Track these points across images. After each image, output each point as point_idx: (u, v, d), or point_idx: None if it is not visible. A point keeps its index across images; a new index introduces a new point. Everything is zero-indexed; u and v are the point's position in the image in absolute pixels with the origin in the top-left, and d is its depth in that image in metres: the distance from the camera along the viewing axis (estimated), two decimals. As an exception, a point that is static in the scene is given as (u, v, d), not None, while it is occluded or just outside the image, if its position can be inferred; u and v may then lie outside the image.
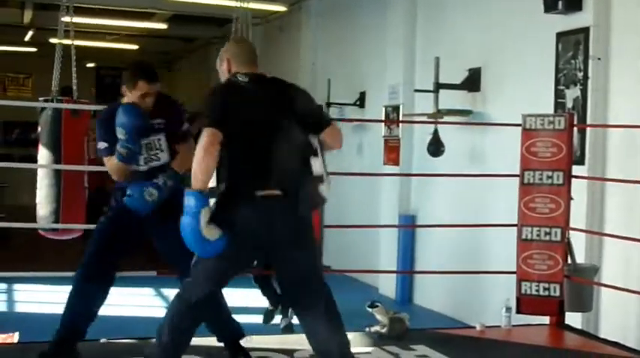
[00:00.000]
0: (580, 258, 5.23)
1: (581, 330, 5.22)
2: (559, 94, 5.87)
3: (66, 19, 7.10)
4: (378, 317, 4.72)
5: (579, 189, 5.28)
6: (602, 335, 5.20)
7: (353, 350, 3.59)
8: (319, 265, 3.69)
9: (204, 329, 3.88)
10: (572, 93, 5.74)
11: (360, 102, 9.36)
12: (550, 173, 5.03)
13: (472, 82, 7.05)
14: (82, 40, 9.67)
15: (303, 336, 3.57)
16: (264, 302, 6.41)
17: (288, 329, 6.02)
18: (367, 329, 4.73)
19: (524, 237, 5.09)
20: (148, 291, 8.17)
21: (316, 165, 3.50)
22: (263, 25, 11.98)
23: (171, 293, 3.64)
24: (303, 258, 3.47)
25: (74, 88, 6.81)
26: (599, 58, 5.56)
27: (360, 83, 9.43)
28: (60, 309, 3.99)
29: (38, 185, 6.22)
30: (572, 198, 5.04)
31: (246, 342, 4.13)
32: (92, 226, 4.35)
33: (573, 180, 5.06)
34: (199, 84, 14.37)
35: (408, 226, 8.06)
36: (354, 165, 9.15)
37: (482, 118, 6.96)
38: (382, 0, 8.62)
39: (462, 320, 6.80)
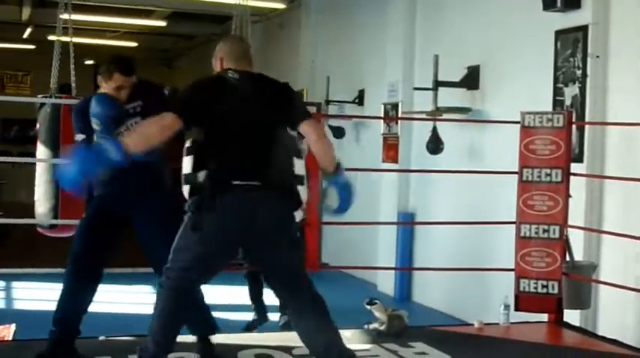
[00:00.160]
0: (578, 255, 5.23)
1: (580, 328, 5.22)
2: (558, 92, 5.86)
3: (64, 16, 7.11)
4: (377, 314, 4.71)
5: (578, 187, 5.28)
6: (600, 333, 5.20)
7: (351, 346, 3.58)
8: (303, 265, 3.64)
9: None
10: (570, 91, 5.74)
11: (359, 99, 9.35)
12: (549, 170, 5.03)
13: (471, 79, 7.04)
14: (80, 38, 9.68)
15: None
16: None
17: (287, 326, 6.00)
18: (366, 326, 4.73)
19: (522, 234, 5.09)
20: (147, 289, 8.15)
21: (298, 165, 3.55)
22: (262, 23, 11.96)
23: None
24: (286, 256, 3.44)
25: (73, 85, 6.81)
26: (597, 56, 5.55)
27: (359, 81, 9.42)
28: (58, 306, 3.99)
29: (37, 182, 6.21)
30: (570, 196, 5.04)
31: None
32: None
33: (572, 177, 5.07)
34: (199, 81, 14.34)
35: (407, 223, 8.07)
36: (353, 162, 9.12)
37: (481, 116, 6.95)
38: (382, -2, 8.62)
39: (460, 318, 6.79)
